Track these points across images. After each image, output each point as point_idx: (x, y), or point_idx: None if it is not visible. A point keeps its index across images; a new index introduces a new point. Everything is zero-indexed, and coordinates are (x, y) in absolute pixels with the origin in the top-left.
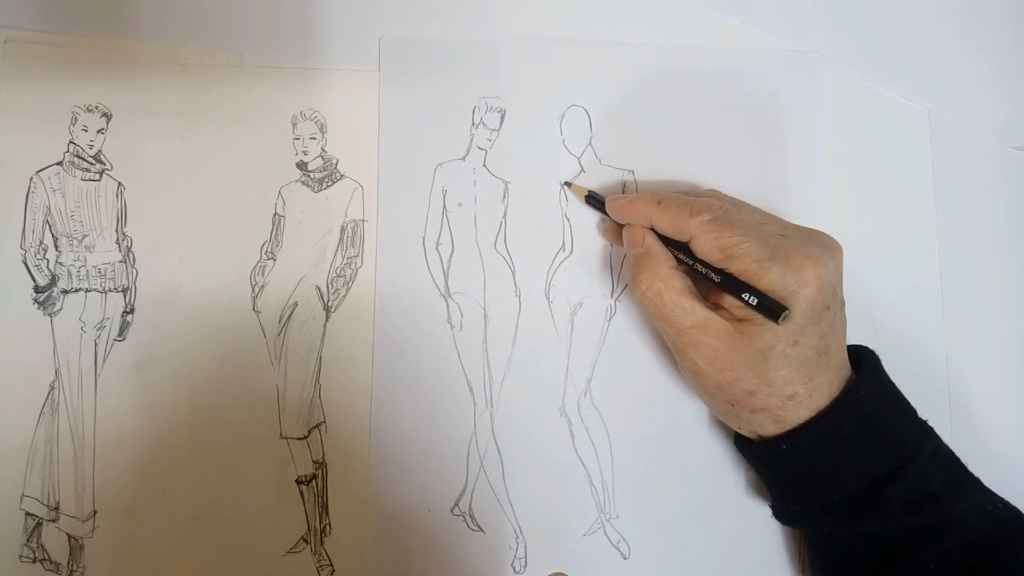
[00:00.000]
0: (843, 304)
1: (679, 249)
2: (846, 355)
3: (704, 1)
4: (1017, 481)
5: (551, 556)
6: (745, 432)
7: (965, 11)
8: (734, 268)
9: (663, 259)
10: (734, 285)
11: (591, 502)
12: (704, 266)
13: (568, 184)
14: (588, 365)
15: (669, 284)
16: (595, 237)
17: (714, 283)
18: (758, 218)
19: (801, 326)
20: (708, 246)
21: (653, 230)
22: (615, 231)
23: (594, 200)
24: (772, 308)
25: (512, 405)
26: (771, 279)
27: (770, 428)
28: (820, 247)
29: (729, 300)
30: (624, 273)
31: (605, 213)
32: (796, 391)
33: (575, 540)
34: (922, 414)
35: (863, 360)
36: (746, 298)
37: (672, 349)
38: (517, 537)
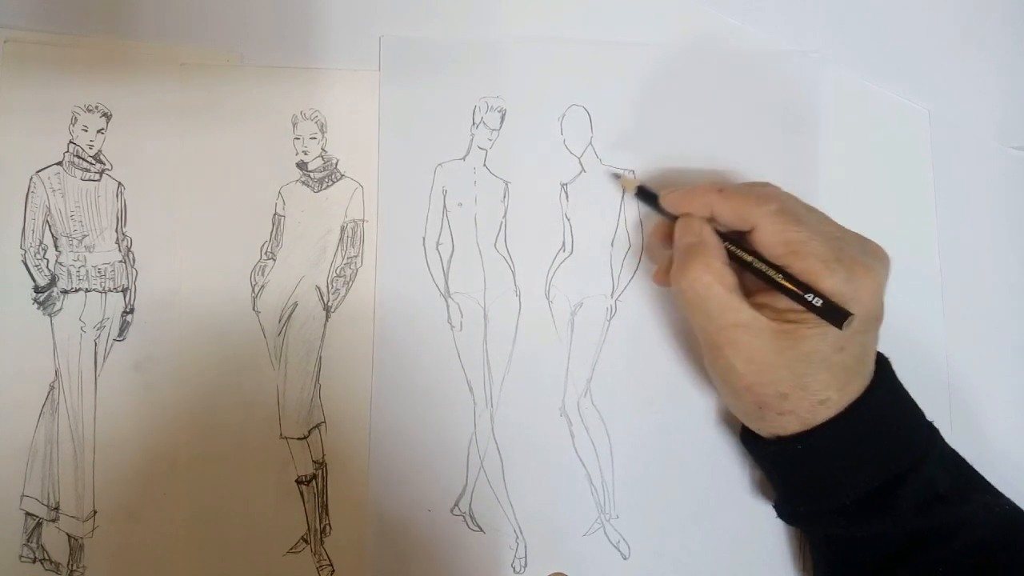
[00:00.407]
0: (882, 317)
1: (736, 246)
2: (874, 363)
3: (704, 1)
4: (1018, 481)
5: (551, 556)
6: (764, 432)
7: (965, 11)
8: (797, 266)
9: (717, 252)
10: (798, 285)
11: (591, 502)
12: (766, 264)
13: (617, 176)
14: (588, 365)
15: (720, 278)
16: (596, 237)
17: (773, 282)
18: (817, 216)
19: (851, 333)
20: (773, 238)
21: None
22: (664, 231)
23: (645, 194)
24: (837, 312)
25: (512, 405)
26: (835, 282)
27: (793, 429)
28: (875, 257)
29: (781, 301)
30: (624, 273)
31: (656, 207)
32: (829, 396)
33: (575, 540)
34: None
35: (875, 365)
36: (810, 299)
37: (706, 347)
38: (517, 537)
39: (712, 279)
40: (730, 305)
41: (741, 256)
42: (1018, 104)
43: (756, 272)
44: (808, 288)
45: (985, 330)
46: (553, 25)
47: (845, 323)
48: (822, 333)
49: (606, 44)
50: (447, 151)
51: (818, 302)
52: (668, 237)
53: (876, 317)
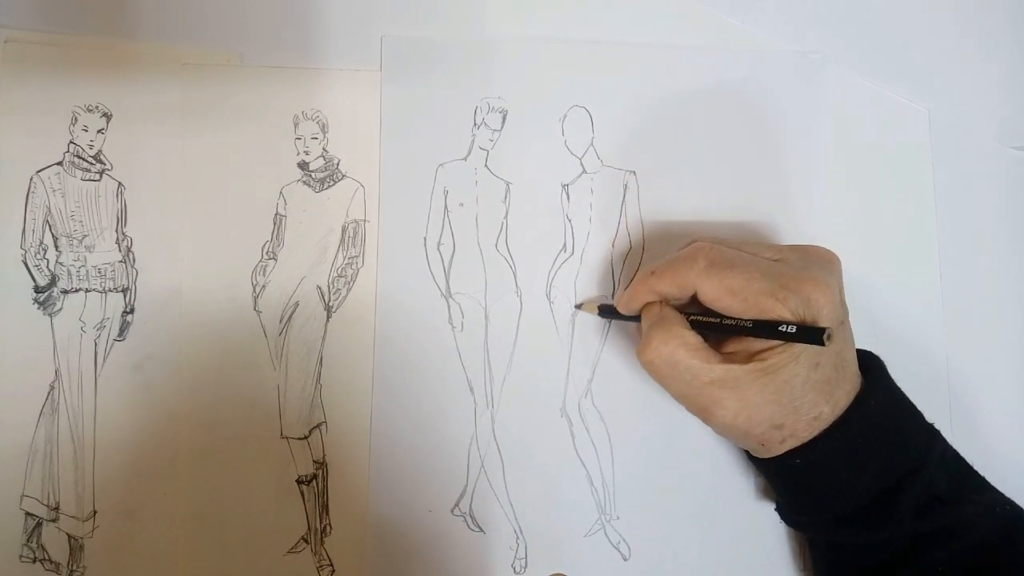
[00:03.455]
0: (848, 312)
1: (698, 312)
2: (857, 362)
3: (704, 1)
4: (1019, 481)
5: (551, 557)
6: (766, 456)
7: (965, 11)
8: (750, 310)
9: (675, 320)
10: (766, 324)
11: (591, 503)
12: (731, 320)
13: (579, 306)
14: (589, 366)
15: (683, 341)
16: (597, 238)
17: (746, 330)
18: (750, 249)
19: (822, 348)
20: (715, 292)
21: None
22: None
23: (607, 309)
24: (814, 332)
25: (513, 406)
26: (792, 308)
27: (793, 446)
28: (820, 266)
29: (753, 343)
30: (625, 274)
31: (622, 317)
32: (821, 411)
33: (575, 541)
34: (922, 412)
35: (869, 367)
36: (784, 329)
37: (694, 411)
38: (517, 538)
39: (675, 344)
40: (700, 365)
41: (705, 320)
42: (1018, 104)
43: (725, 329)
44: (777, 321)
45: (985, 330)
46: (554, 26)
47: (826, 337)
48: (794, 357)
49: (607, 44)
50: (448, 151)
51: (792, 329)
52: None
53: (840, 321)
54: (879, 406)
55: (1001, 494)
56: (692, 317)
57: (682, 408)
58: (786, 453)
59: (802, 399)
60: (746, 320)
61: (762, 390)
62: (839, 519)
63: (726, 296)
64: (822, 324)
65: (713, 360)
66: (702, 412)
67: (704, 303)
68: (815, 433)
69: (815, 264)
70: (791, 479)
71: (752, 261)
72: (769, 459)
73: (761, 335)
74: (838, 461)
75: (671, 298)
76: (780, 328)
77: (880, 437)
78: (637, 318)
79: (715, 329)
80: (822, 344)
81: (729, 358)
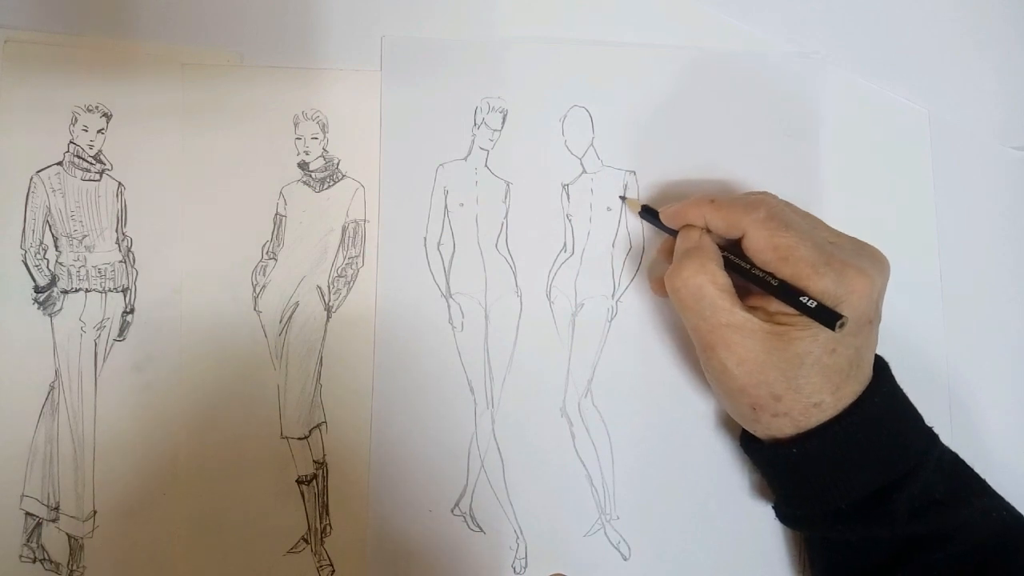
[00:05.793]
0: (880, 318)
1: (733, 254)
2: (872, 367)
3: (705, 1)
4: (1017, 484)
5: (551, 557)
6: (760, 435)
7: (965, 11)
8: (787, 271)
9: (712, 254)
10: (791, 289)
11: (591, 503)
12: (760, 271)
13: (623, 198)
14: (589, 366)
15: (713, 279)
16: (597, 238)
17: (769, 287)
18: (810, 222)
19: (842, 335)
20: (762, 243)
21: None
22: (670, 247)
23: (648, 212)
24: (830, 314)
25: (513, 405)
26: (825, 285)
27: (788, 431)
28: (871, 261)
29: (773, 304)
30: (625, 274)
31: (659, 225)
32: (823, 399)
33: (575, 541)
34: (922, 415)
35: (874, 368)
36: (804, 301)
37: (699, 347)
38: (517, 538)
39: (705, 279)
40: (722, 305)
41: (737, 262)
42: (1018, 104)
43: (752, 278)
44: (801, 291)
45: (985, 331)
46: (554, 26)
47: (838, 324)
48: (813, 335)
49: (607, 45)
50: (448, 151)
51: (812, 304)
52: (672, 253)
53: (869, 319)
54: (881, 406)
55: (1000, 499)
56: (726, 254)
57: (682, 408)
58: (783, 441)
59: (807, 379)
60: (775, 278)
61: (771, 353)
62: (833, 514)
63: (770, 251)
64: (844, 311)
65: (736, 305)
66: (708, 350)
67: (746, 251)
68: (812, 422)
69: (867, 257)
70: (786, 470)
71: (809, 232)
72: (766, 448)
73: (782, 297)
74: (834, 455)
75: (716, 232)
76: (801, 299)
77: (878, 435)
78: (672, 232)
79: (743, 274)
80: (833, 329)
81: (751, 311)
